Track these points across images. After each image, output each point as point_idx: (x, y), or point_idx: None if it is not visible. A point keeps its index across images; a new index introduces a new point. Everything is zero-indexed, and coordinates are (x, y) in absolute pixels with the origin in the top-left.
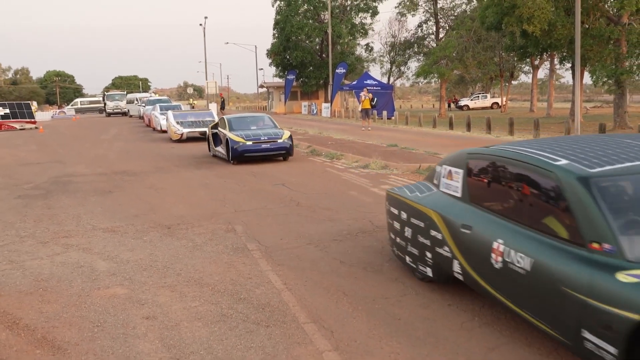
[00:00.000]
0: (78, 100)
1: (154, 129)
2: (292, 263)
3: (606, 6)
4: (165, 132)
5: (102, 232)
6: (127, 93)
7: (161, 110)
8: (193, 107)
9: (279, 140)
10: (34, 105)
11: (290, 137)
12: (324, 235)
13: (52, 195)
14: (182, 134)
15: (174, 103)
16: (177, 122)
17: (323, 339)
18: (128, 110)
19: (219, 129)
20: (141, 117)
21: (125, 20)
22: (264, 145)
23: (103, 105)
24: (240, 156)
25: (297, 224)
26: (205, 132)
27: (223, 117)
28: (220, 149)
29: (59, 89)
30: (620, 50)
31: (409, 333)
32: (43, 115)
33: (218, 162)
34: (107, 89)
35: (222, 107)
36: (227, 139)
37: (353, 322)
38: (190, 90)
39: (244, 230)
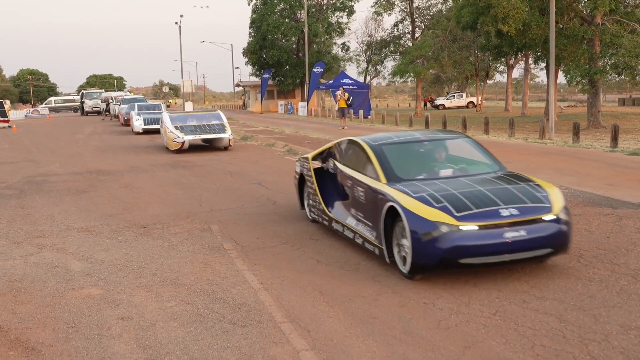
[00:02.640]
0: (52, 98)
1: (133, 130)
2: (268, 262)
3: (580, 6)
4: (140, 133)
5: (76, 232)
6: (105, 91)
7: (139, 109)
8: (169, 107)
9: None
10: (7, 103)
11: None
12: (301, 234)
13: (26, 194)
14: (182, 143)
15: (152, 102)
16: (176, 127)
17: (300, 338)
18: (103, 109)
19: (339, 163)
20: (116, 116)
21: (100, 18)
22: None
23: (80, 103)
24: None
25: (273, 223)
26: (213, 139)
27: (357, 142)
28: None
29: (32, 87)
30: (593, 50)
31: (385, 332)
32: (16, 114)
33: (194, 162)
34: (82, 87)
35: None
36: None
37: (330, 321)
38: (166, 89)
39: (220, 229)
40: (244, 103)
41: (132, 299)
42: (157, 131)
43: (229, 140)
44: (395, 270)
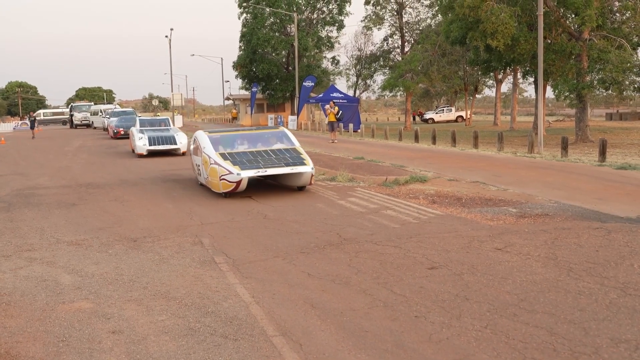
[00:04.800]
0: (41, 111)
1: (133, 151)
2: (259, 276)
3: (568, 22)
4: (144, 156)
5: (66, 246)
6: (94, 104)
7: (141, 125)
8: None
9: None
10: None
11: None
12: (292, 247)
13: (15, 208)
14: (238, 182)
15: (157, 116)
16: (223, 157)
17: (292, 352)
18: (92, 122)
19: None
20: (105, 129)
21: (89, 31)
22: None
23: (70, 116)
24: None
25: (264, 237)
26: (286, 175)
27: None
28: None
29: (21, 100)
30: (581, 65)
31: (377, 345)
32: (4, 126)
33: (185, 175)
34: (71, 100)
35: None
36: None
37: (321, 334)
38: (155, 102)
39: (211, 243)
40: (236, 117)
41: (123, 312)
42: (165, 153)
43: (311, 175)
44: (387, 284)
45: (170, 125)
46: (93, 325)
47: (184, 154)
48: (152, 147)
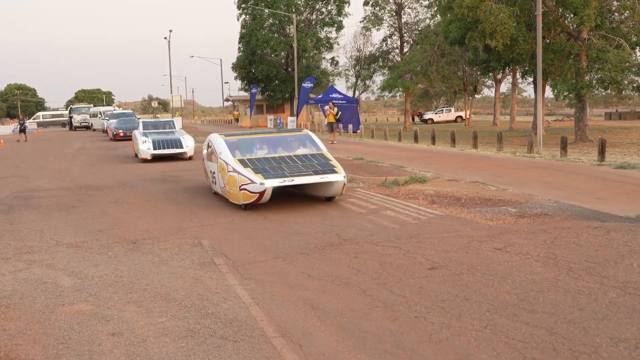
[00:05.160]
0: (40, 113)
1: (136, 155)
2: (259, 277)
3: (566, 22)
4: (148, 160)
5: (66, 248)
6: (94, 106)
7: (144, 128)
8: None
9: None
10: None
11: None
12: (291, 248)
13: (14, 210)
14: (262, 193)
15: (161, 118)
16: (243, 163)
17: (291, 353)
18: (91, 124)
19: None
20: (105, 131)
21: (88, 33)
22: None
23: (69, 118)
24: None
25: (264, 238)
26: (315, 184)
27: None
28: None
29: (20, 102)
30: (580, 65)
31: (376, 346)
32: (4, 129)
33: (184, 177)
34: (70, 102)
35: None
36: None
37: (321, 335)
38: (155, 104)
39: (211, 244)
40: (238, 118)
41: (123, 314)
42: (171, 157)
43: (343, 183)
44: (387, 284)
45: (175, 128)
46: (93, 328)
47: (190, 158)
48: (157, 151)
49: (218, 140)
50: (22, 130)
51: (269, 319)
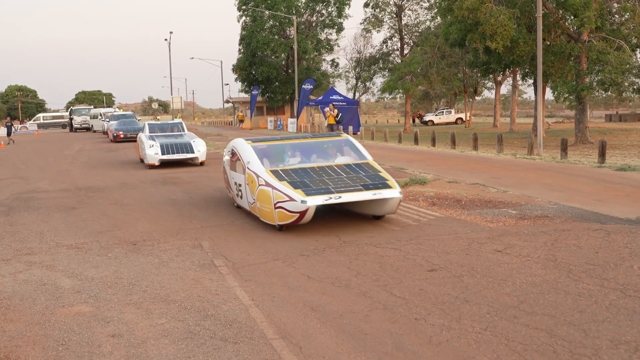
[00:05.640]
0: (40, 115)
1: (141, 160)
2: (259, 279)
3: (567, 24)
4: (155, 167)
5: (66, 249)
6: (94, 107)
7: (151, 131)
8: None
9: None
10: None
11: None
12: (291, 250)
13: (14, 211)
14: (304, 212)
15: (168, 120)
16: (277, 175)
17: (291, 355)
18: (92, 126)
19: None
20: (105, 133)
21: (89, 35)
22: None
23: (69, 120)
24: None
25: (264, 240)
26: (365, 201)
27: None
28: None
29: (20, 103)
30: (580, 67)
31: (376, 348)
32: (4, 130)
33: (185, 178)
34: (71, 103)
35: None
36: None
37: (321, 337)
38: (155, 106)
39: (211, 246)
40: (241, 120)
41: (123, 316)
42: (180, 163)
43: (399, 200)
44: (387, 286)
45: (184, 130)
46: (93, 329)
47: (202, 164)
48: (166, 157)
49: (244, 147)
50: (9, 132)
51: (268, 320)
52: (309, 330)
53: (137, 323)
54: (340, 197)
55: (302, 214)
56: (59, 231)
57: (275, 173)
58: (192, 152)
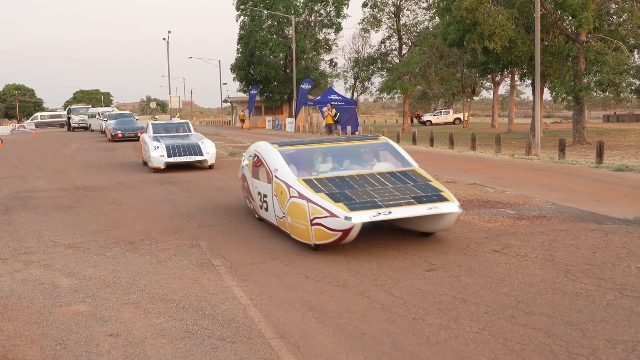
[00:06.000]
0: (38, 114)
1: (145, 163)
2: (257, 278)
3: (565, 24)
4: (160, 170)
5: (63, 248)
6: (92, 107)
7: (155, 131)
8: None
9: None
10: None
11: None
12: (289, 250)
13: (12, 211)
14: (347, 231)
15: (173, 120)
16: (314, 187)
17: (289, 355)
18: (90, 125)
19: None
20: (103, 132)
21: (87, 34)
22: None
23: (67, 119)
24: None
25: (262, 239)
26: (420, 217)
27: None
28: None
29: (18, 102)
30: (578, 67)
31: (374, 348)
32: (2, 129)
33: (182, 178)
34: (68, 102)
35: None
36: None
37: (319, 337)
38: (153, 105)
39: (209, 245)
40: (242, 119)
41: (121, 315)
42: (187, 166)
43: (458, 215)
44: (385, 286)
45: (190, 130)
46: (90, 329)
47: (211, 167)
48: (172, 159)
49: (270, 152)
50: None
51: (267, 320)
52: (307, 329)
53: (135, 322)
54: (390, 212)
55: (346, 232)
56: (56, 230)
57: (309, 183)
58: (201, 154)
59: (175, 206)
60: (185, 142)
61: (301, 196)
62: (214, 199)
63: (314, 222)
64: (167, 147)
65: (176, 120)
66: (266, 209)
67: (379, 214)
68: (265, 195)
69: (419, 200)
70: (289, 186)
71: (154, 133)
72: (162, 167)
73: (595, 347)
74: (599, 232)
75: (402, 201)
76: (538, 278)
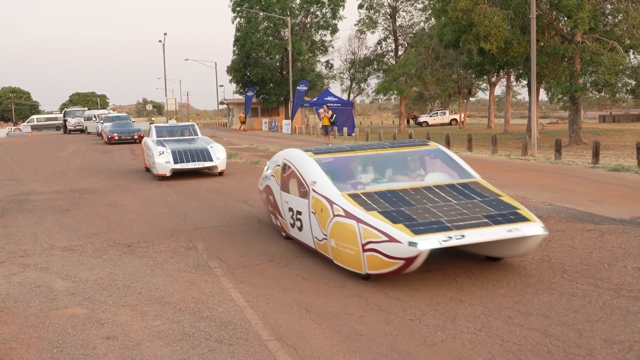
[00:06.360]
0: (34, 117)
1: (147, 169)
2: (254, 280)
3: (560, 25)
4: (166, 177)
5: (60, 251)
6: (88, 109)
7: (157, 133)
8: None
9: None
10: None
11: None
12: (286, 251)
13: (8, 214)
14: (411, 259)
15: (178, 122)
16: (355, 198)
17: (287, 356)
18: (86, 128)
19: None
20: (99, 134)
21: (82, 36)
22: None
23: (63, 121)
24: None
25: (259, 241)
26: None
27: None
28: None
29: (14, 105)
30: (574, 68)
31: (371, 349)
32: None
33: (179, 179)
34: (65, 105)
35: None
36: None
37: (316, 338)
38: (149, 107)
39: (206, 247)
40: (243, 121)
41: (117, 318)
42: (195, 173)
43: (543, 238)
44: (382, 287)
45: (197, 133)
46: (87, 331)
47: (221, 173)
48: (179, 166)
49: (305, 161)
50: None
51: (263, 322)
52: (304, 331)
53: (131, 325)
54: (462, 235)
55: (409, 261)
56: (53, 233)
57: (356, 198)
58: (210, 159)
59: (172, 208)
60: (192, 147)
61: (349, 215)
62: (211, 201)
63: (367, 247)
64: (174, 152)
65: (172, 122)
66: (300, 228)
67: (450, 238)
68: (299, 212)
69: (494, 221)
70: (331, 202)
71: (157, 137)
72: (168, 174)
73: (592, 347)
74: (595, 232)
75: (473, 221)
76: (535, 278)
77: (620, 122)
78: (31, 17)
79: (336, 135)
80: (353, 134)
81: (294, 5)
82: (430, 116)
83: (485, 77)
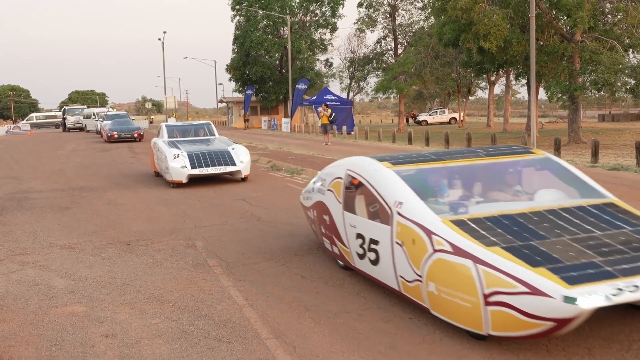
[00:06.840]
0: (33, 115)
1: (157, 174)
2: (253, 278)
3: (560, 24)
4: (181, 184)
5: (59, 249)
6: (87, 107)
7: (169, 135)
8: (152, 122)
9: None
10: None
11: None
12: (285, 250)
13: (7, 211)
14: (565, 321)
15: (195, 121)
16: (461, 225)
17: (285, 355)
18: (85, 126)
19: None
20: (98, 133)
21: (82, 35)
22: None
23: (62, 119)
24: None
25: (258, 239)
26: None
27: None
28: None
29: (13, 103)
30: (573, 67)
31: (370, 347)
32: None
33: None
34: (64, 103)
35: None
36: None
37: (315, 337)
38: (148, 105)
39: (205, 245)
40: (247, 119)
41: (116, 316)
42: (213, 179)
43: None
44: (380, 285)
45: (214, 134)
46: (86, 329)
47: (245, 179)
48: (197, 171)
49: (381, 173)
50: None
51: (262, 320)
52: (303, 329)
53: (130, 323)
54: (637, 287)
55: (562, 323)
56: (52, 231)
57: (462, 226)
58: (233, 163)
59: (171, 207)
60: (211, 149)
61: (459, 252)
62: (209, 199)
63: (491, 299)
64: (190, 156)
65: (172, 120)
66: (374, 262)
67: (620, 290)
68: (373, 241)
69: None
70: (429, 232)
71: (169, 137)
72: (185, 180)
73: (591, 346)
74: None
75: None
76: None
77: (620, 121)
78: (31, 16)
79: (335, 133)
80: (352, 133)
81: (293, 4)
82: (430, 115)
83: (484, 76)
